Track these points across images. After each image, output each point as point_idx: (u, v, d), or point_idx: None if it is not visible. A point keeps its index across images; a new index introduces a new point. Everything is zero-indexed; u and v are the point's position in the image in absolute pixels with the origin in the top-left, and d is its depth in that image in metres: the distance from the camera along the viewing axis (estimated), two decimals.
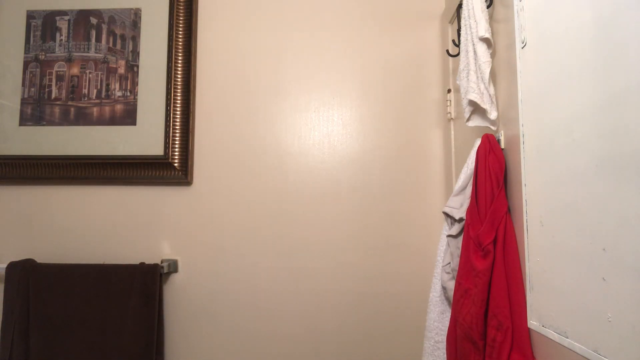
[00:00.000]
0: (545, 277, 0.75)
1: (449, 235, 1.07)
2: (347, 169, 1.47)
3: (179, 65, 1.49)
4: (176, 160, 1.46)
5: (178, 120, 1.47)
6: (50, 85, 1.52)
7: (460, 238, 1.03)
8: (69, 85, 1.52)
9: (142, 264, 1.39)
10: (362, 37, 1.51)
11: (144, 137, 1.48)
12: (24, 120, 1.51)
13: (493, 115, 0.95)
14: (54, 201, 1.49)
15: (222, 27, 1.53)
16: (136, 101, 1.49)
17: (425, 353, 1.12)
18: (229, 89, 1.51)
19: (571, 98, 0.68)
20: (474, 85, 0.97)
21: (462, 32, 1.03)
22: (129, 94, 1.50)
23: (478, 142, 0.98)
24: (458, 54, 1.14)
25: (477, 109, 1.00)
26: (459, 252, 1.02)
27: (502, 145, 0.94)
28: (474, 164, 0.98)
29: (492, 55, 0.97)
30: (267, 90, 1.50)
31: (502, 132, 0.95)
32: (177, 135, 1.47)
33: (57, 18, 1.54)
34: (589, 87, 0.63)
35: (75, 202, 1.49)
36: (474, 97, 0.96)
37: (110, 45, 1.52)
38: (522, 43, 0.84)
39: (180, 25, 1.51)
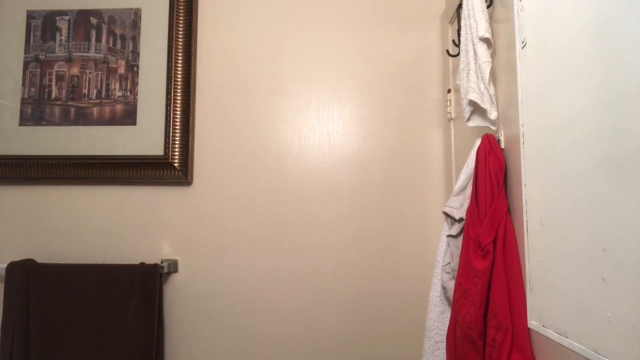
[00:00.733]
0: (545, 277, 0.75)
1: (449, 235, 1.07)
2: (347, 169, 1.47)
3: (179, 65, 1.49)
4: (176, 160, 1.46)
5: (178, 120, 1.47)
6: (50, 85, 1.52)
7: (460, 238, 1.03)
8: (69, 85, 1.52)
9: (142, 264, 1.39)
10: (362, 37, 1.51)
11: (144, 137, 1.48)
12: (24, 120, 1.51)
13: (493, 115, 0.95)
14: (54, 201, 1.49)
15: (222, 27, 1.53)
16: (136, 101, 1.49)
17: (425, 353, 1.12)
18: (229, 89, 1.51)
19: (571, 98, 0.68)
20: (474, 85, 0.97)
21: (462, 32, 1.03)
22: (129, 94, 1.50)
23: (478, 142, 0.98)
24: (458, 54, 1.14)
25: (477, 109, 1.00)
26: (458, 252, 1.02)
27: (502, 145, 0.94)
28: (474, 164, 0.98)
29: (492, 55, 0.97)
30: (267, 90, 1.50)
31: (502, 132, 0.95)
32: (177, 135, 1.47)
33: (57, 18, 1.54)
34: (589, 87, 0.63)
35: (75, 202, 1.49)
36: (474, 97, 0.96)
37: (110, 45, 1.52)
38: (522, 43, 0.84)
39: (180, 26, 1.51)
